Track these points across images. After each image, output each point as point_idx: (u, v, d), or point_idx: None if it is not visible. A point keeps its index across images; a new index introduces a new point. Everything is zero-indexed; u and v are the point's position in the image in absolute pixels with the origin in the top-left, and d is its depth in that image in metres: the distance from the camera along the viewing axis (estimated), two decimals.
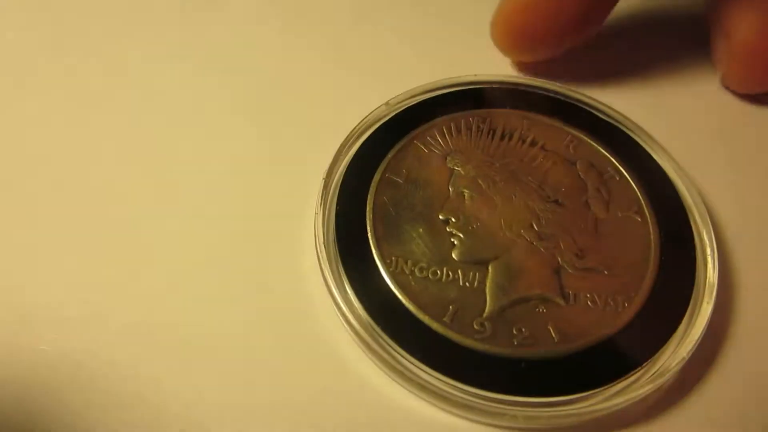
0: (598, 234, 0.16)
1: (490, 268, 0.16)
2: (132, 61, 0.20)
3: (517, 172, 0.17)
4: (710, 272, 0.16)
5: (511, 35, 0.19)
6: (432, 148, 0.18)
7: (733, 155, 0.19)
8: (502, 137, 0.18)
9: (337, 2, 0.22)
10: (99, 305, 0.16)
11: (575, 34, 0.19)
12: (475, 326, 0.15)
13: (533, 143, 0.18)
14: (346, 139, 0.18)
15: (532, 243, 0.16)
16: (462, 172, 0.17)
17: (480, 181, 0.17)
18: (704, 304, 0.15)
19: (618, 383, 0.14)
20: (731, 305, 0.16)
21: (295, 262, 0.16)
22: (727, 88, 0.20)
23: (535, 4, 0.19)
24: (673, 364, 0.15)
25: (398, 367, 0.14)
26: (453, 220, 0.16)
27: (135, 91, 0.20)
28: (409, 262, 0.16)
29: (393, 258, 0.16)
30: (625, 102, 0.19)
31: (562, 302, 0.15)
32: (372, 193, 0.17)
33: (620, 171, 0.17)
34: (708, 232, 0.16)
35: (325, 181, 0.17)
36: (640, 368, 0.15)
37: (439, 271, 0.16)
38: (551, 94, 0.19)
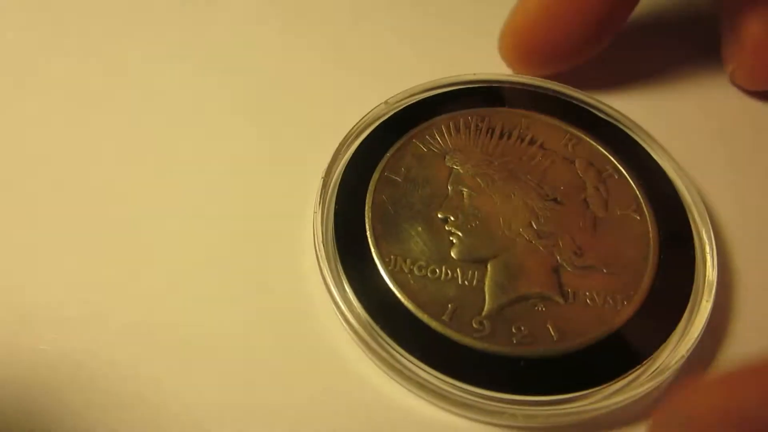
0: (597, 232, 0.16)
1: (489, 266, 0.16)
2: (132, 61, 0.20)
3: (516, 171, 0.17)
4: (709, 271, 0.16)
5: (520, 51, 0.19)
6: (431, 147, 0.18)
7: (732, 154, 0.19)
8: (501, 136, 0.18)
9: (337, 2, 0.22)
10: (99, 305, 0.16)
11: (584, 52, 0.19)
12: (474, 325, 0.15)
13: (532, 142, 0.18)
14: (345, 138, 0.18)
15: (531, 241, 0.16)
16: (461, 171, 0.17)
17: (479, 180, 0.17)
18: (703, 303, 0.15)
19: (617, 381, 0.14)
20: (730, 304, 0.16)
21: (294, 262, 0.16)
22: (735, 84, 0.20)
23: (546, 21, 0.18)
24: (673, 363, 0.15)
25: (397, 365, 0.14)
26: (452, 218, 0.16)
27: (135, 91, 0.20)
28: (408, 261, 0.16)
29: (392, 257, 0.16)
30: (624, 101, 0.19)
31: (561, 301, 0.15)
32: (371, 192, 0.17)
33: (619, 169, 0.17)
34: (707, 231, 0.16)
35: (324, 180, 0.17)
36: (639, 366, 0.15)
37: (438, 270, 0.16)
38: (550, 93, 0.19)
